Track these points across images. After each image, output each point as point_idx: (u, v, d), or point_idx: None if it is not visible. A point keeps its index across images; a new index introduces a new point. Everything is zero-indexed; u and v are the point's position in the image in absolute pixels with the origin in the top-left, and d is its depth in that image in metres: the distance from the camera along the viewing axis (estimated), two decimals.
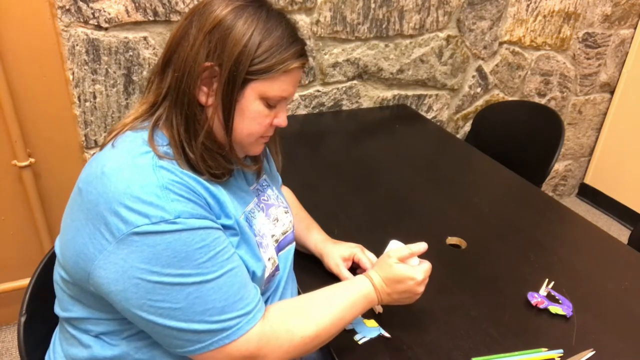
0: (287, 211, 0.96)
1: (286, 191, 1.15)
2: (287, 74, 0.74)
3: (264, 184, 0.95)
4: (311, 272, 1.04)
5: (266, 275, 0.83)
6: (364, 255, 1.02)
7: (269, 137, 0.83)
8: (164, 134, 0.75)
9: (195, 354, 0.70)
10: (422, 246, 0.89)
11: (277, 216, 0.93)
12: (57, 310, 0.81)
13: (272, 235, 0.89)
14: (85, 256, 0.68)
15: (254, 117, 0.76)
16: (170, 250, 0.65)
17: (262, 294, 0.86)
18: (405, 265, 0.86)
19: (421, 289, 0.88)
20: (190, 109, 0.73)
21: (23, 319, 0.87)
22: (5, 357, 1.72)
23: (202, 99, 0.73)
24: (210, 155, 0.75)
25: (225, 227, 0.75)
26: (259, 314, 0.73)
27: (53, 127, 1.59)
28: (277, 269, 0.89)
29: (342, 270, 1.00)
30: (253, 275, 0.78)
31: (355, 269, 1.04)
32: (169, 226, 0.65)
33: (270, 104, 0.76)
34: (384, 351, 0.88)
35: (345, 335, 0.90)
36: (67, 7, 1.45)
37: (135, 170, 0.68)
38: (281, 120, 0.80)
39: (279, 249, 0.91)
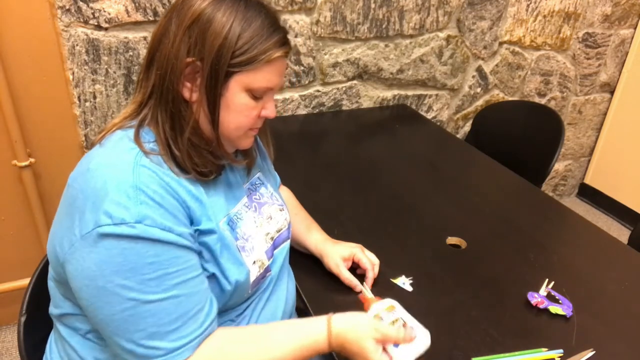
0: (282, 209, 0.96)
1: (286, 191, 1.15)
2: (270, 64, 0.73)
3: (256, 182, 0.94)
4: (311, 272, 1.04)
5: (252, 279, 0.82)
6: (364, 255, 1.02)
7: (258, 129, 0.82)
8: (150, 131, 0.75)
9: None
10: (410, 336, 0.79)
11: (271, 214, 0.92)
12: (51, 309, 0.82)
13: (267, 233, 0.89)
14: (60, 249, 0.69)
15: (241, 110, 0.75)
16: (121, 257, 0.64)
17: (251, 296, 0.85)
18: (373, 344, 0.75)
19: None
20: (175, 106, 0.73)
21: (23, 319, 0.87)
22: (5, 357, 1.72)
23: (186, 94, 0.73)
24: (197, 152, 0.74)
25: (206, 232, 0.73)
26: (186, 353, 0.69)
27: (53, 127, 1.59)
28: (267, 269, 0.87)
29: (342, 270, 1.00)
30: (235, 283, 0.77)
31: (355, 268, 1.04)
32: (128, 229, 0.64)
33: (256, 95, 0.75)
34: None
35: None
36: (67, 7, 1.45)
37: (116, 167, 0.68)
38: (269, 112, 0.79)
39: (274, 247, 0.91)
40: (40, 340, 0.88)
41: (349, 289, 1.00)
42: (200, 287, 0.72)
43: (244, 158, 0.90)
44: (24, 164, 1.57)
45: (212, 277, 0.76)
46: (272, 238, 0.90)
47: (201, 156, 0.75)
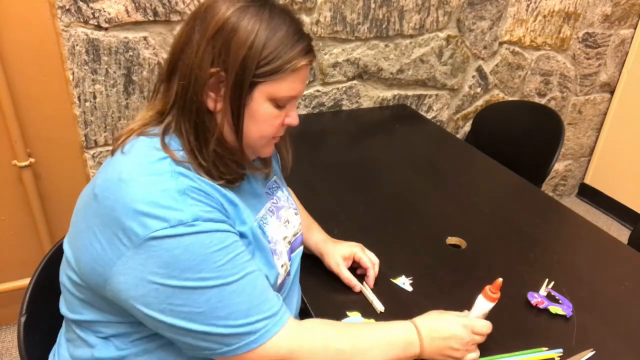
0: (297, 212, 0.96)
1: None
2: (294, 73, 0.73)
3: (273, 186, 0.94)
4: (311, 272, 1.04)
5: (280, 281, 0.82)
6: (364, 255, 1.02)
7: (280, 137, 0.82)
8: (176, 138, 0.74)
9: (225, 356, 0.69)
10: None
11: (288, 218, 0.92)
12: (64, 311, 0.80)
13: (285, 238, 0.89)
14: (103, 262, 0.67)
15: (265, 120, 0.74)
16: (188, 254, 0.64)
17: None
18: (462, 320, 0.83)
19: (465, 347, 0.83)
20: (199, 117, 0.72)
21: (23, 319, 0.87)
22: (5, 357, 1.72)
23: (211, 105, 0.72)
24: (222, 162, 0.74)
25: (241, 235, 0.74)
26: (285, 317, 0.72)
27: (53, 127, 1.59)
28: (288, 273, 0.88)
29: (342, 269, 1.00)
30: (268, 281, 0.77)
31: (356, 268, 1.04)
32: (187, 229, 0.64)
33: (279, 104, 0.74)
34: None
35: None
36: (67, 7, 1.45)
37: (153, 176, 0.67)
38: (292, 119, 0.79)
39: (291, 250, 0.91)
40: (41, 340, 0.88)
41: (349, 289, 1.00)
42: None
43: (264, 165, 0.90)
44: (24, 164, 1.57)
45: None
46: (289, 242, 0.90)
47: (226, 165, 0.74)
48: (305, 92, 1.91)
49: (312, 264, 1.05)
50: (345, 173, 1.50)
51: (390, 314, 0.95)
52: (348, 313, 0.96)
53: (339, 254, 1.01)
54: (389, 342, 0.78)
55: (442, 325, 0.82)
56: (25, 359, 0.85)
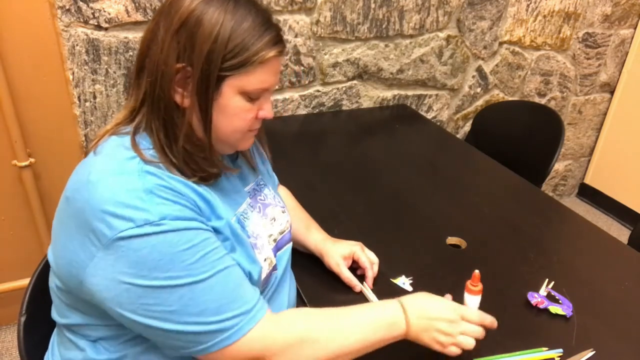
0: (284, 211, 0.96)
1: (284, 191, 1.15)
2: (264, 65, 0.71)
3: (260, 183, 0.94)
4: (311, 272, 1.04)
5: (263, 276, 0.82)
6: (363, 254, 1.02)
7: (258, 129, 0.81)
8: (147, 136, 0.73)
9: (200, 354, 0.69)
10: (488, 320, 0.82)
11: (275, 216, 0.92)
12: (55, 316, 0.81)
13: (270, 235, 0.89)
14: (77, 264, 0.67)
15: (236, 113, 0.73)
16: (156, 253, 0.64)
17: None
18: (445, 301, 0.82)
19: (456, 332, 0.78)
20: (168, 113, 0.71)
21: (23, 319, 0.87)
22: (5, 357, 1.72)
23: (179, 100, 0.71)
24: (192, 159, 0.73)
25: (217, 231, 0.73)
26: (259, 314, 0.71)
27: (53, 127, 1.59)
28: (274, 268, 0.88)
29: (342, 269, 1.00)
30: (249, 278, 0.77)
31: (356, 268, 1.04)
32: (154, 228, 0.64)
33: (251, 97, 0.73)
34: (384, 351, 0.88)
35: None
36: (67, 7, 1.45)
37: (120, 176, 0.67)
38: (266, 112, 0.77)
39: (277, 249, 0.91)
40: (40, 340, 0.88)
41: (349, 289, 1.00)
42: (234, 261, 0.73)
43: (242, 164, 0.90)
44: (24, 164, 1.57)
45: None
46: (275, 240, 0.90)
47: (196, 162, 0.74)
48: (305, 92, 1.91)
49: (312, 264, 1.05)
50: (345, 173, 1.50)
51: None
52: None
53: (339, 253, 1.01)
54: (371, 324, 0.76)
55: (430, 305, 0.80)
56: (25, 359, 0.85)
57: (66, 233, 0.69)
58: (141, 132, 0.73)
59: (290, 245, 0.96)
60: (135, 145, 0.71)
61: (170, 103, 0.71)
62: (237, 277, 0.72)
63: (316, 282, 1.02)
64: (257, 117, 0.77)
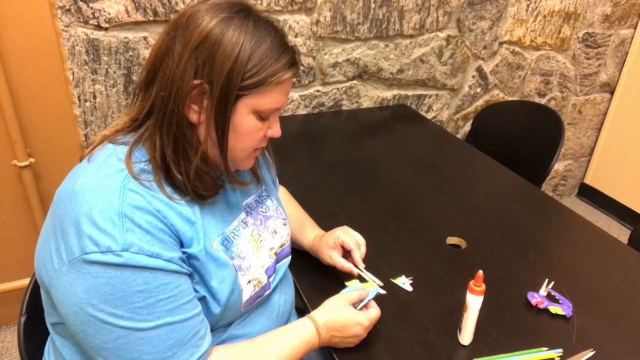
0: (286, 223, 0.95)
1: (281, 190, 1.15)
2: (279, 85, 0.72)
3: (263, 195, 0.93)
4: (311, 272, 1.05)
5: (245, 299, 0.80)
6: (348, 235, 0.99)
7: (262, 149, 0.81)
8: (144, 150, 0.72)
9: None
10: (373, 291, 0.89)
11: (276, 228, 0.91)
12: (45, 316, 0.80)
13: (271, 248, 0.88)
14: (49, 266, 0.67)
15: (248, 132, 0.73)
16: (109, 286, 0.63)
17: (244, 314, 0.84)
18: (352, 310, 0.85)
19: (364, 334, 0.86)
20: (180, 129, 0.70)
21: (23, 319, 0.87)
22: (5, 357, 1.72)
23: (193, 117, 0.70)
24: (200, 178, 0.72)
25: (192, 257, 0.72)
26: None
27: (53, 127, 1.59)
28: (265, 287, 0.85)
29: (335, 260, 0.98)
30: (226, 304, 0.76)
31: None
32: (115, 258, 0.62)
33: (262, 116, 0.73)
34: (384, 351, 0.88)
35: None
36: (67, 7, 1.45)
37: (101, 192, 0.66)
38: (274, 131, 0.77)
39: (277, 261, 0.90)
40: (41, 340, 0.88)
41: (344, 282, 1.00)
42: (193, 311, 0.70)
43: (254, 177, 0.90)
44: (24, 164, 1.57)
45: (202, 299, 0.74)
46: (275, 253, 0.89)
47: (203, 181, 0.73)
48: (305, 92, 1.91)
49: (311, 264, 1.05)
50: (345, 173, 1.50)
51: (390, 314, 0.95)
52: (346, 283, 0.99)
53: (328, 246, 1.00)
54: (291, 347, 0.80)
55: (335, 316, 0.84)
56: (25, 359, 0.85)
57: (46, 236, 0.69)
58: (141, 145, 0.72)
59: (288, 259, 0.95)
60: (128, 158, 0.70)
61: (183, 119, 0.70)
62: (182, 334, 0.69)
63: (316, 283, 1.03)
64: (265, 136, 0.77)
